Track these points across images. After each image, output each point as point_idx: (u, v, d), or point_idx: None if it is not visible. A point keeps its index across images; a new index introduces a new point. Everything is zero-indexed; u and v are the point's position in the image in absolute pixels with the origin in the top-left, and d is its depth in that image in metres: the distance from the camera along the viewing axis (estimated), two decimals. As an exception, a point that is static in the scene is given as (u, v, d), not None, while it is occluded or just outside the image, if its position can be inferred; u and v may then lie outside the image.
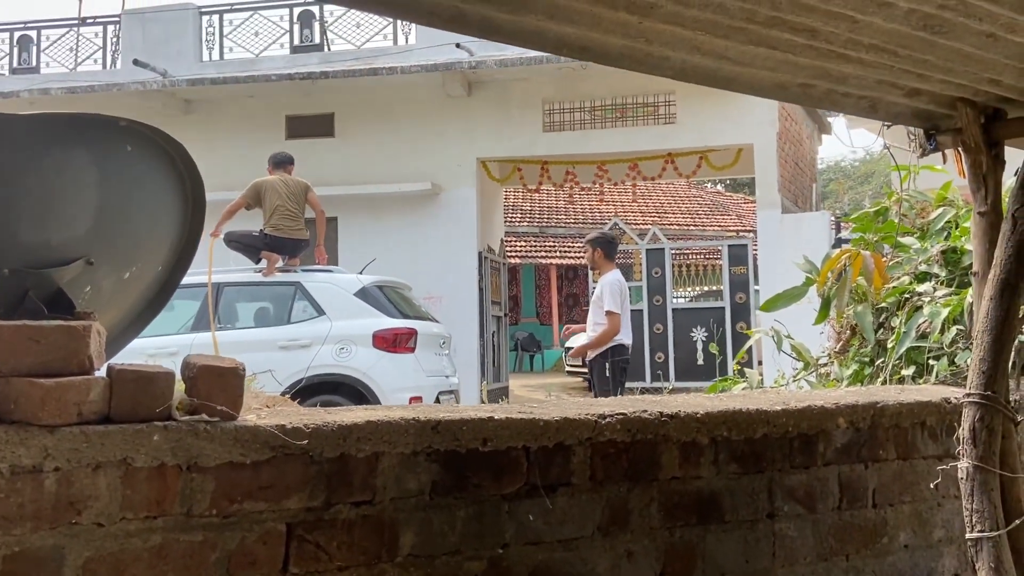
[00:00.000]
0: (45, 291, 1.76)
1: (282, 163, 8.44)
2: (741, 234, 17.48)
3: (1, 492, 1.47)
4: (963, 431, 2.13)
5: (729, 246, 12.39)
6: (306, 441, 1.72)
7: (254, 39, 12.75)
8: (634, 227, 15.65)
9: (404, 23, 12.21)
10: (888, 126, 2.47)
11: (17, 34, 13.77)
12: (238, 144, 11.96)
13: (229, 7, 12.92)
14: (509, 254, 16.45)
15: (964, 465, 2.11)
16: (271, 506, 1.71)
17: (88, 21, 13.84)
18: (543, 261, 20.38)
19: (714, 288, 13.06)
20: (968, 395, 2.14)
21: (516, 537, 1.96)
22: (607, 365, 6.61)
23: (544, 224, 20.62)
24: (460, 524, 1.90)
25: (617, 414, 2.09)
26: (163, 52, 12.33)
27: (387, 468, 1.83)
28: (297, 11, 12.62)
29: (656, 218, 19.64)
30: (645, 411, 2.13)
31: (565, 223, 20.52)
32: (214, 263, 7.72)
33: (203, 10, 12.91)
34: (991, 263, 2.16)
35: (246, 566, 1.68)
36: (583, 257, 7.41)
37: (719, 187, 26.82)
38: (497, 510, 1.95)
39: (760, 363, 9.16)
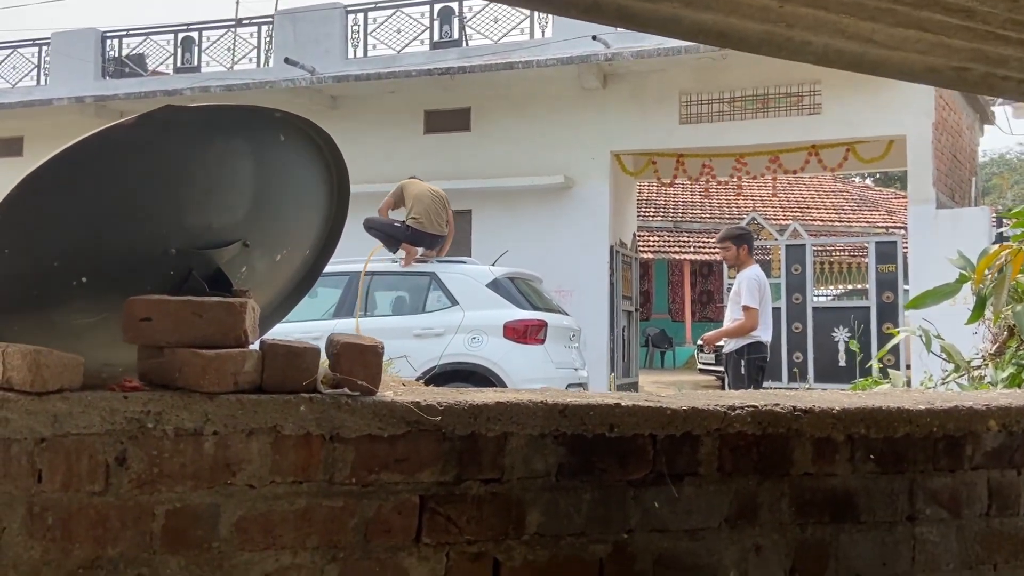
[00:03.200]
0: (206, 270, 1.91)
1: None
2: (891, 231, 16.59)
3: (166, 452, 1.62)
4: None
5: (876, 243, 11.79)
6: (439, 418, 1.79)
7: (396, 36, 13.19)
8: (773, 223, 15.15)
9: (541, 18, 12.30)
10: (990, 101, 2.30)
11: (180, 35, 14.82)
12: (379, 138, 12.42)
13: (373, 5, 13.42)
14: (641, 249, 16.29)
15: None
16: (406, 478, 1.79)
17: (244, 22, 14.72)
18: (676, 256, 20.06)
19: (859, 287, 12.46)
20: None
21: (641, 523, 1.97)
22: (743, 363, 6.44)
23: (678, 219, 20.28)
24: (586, 507, 1.93)
25: (748, 406, 2.06)
26: (312, 50, 12.94)
27: (515, 448, 1.88)
28: (437, 7, 12.95)
29: (797, 213, 18.92)
30: (777, 405, 2.09)
31: (700, 218, 20.10)
32: (356, 254, 8.08)
33: (349, 9, 13.46)
34: None
35: (382, 533, 1.77)
36: (720, 253, 7.31)
37: (868, 181, 25.53)
38: (623, 496, 1.96)
39: (908, 367, 8.69)
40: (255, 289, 1.99)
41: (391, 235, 8.32)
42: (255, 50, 14.34)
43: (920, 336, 3.79)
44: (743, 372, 6.41)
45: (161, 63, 15.12)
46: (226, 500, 1.65)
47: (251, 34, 14.43)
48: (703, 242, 19.57)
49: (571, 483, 1.92)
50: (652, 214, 19.98)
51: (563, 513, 1.92)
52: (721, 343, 6.90)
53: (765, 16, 1.90)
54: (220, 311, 1.70)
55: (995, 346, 3.61)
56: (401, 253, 8.31)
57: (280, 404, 1.69)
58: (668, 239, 19.98)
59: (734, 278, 6.98)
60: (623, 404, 1.96)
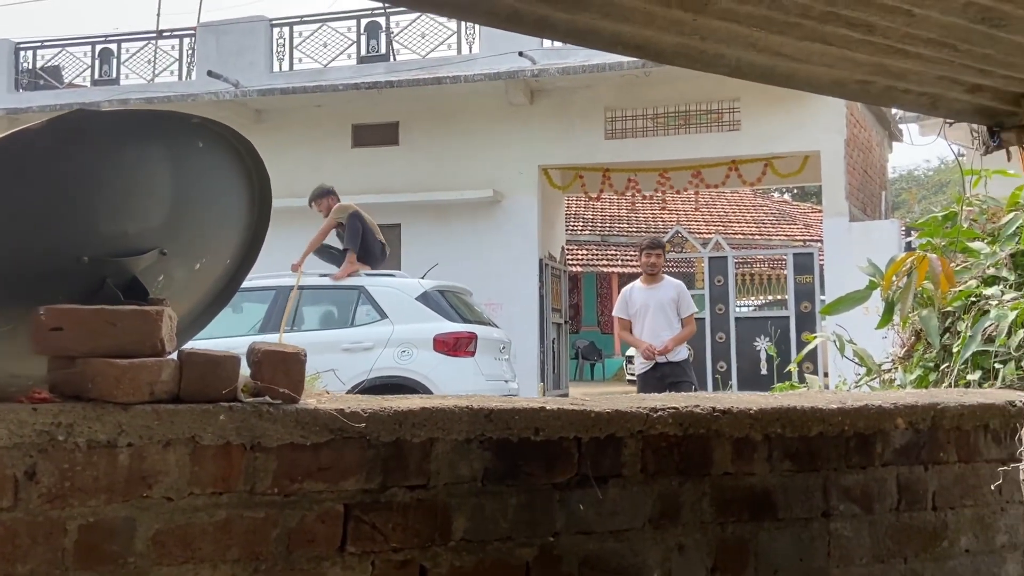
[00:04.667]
0: (121, 279, 1.86)
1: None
2: (808, 243, 17.15)
3: (78, 465, 1.57)
4: (1026, 432, 2.08)
5: (794, 255, 12.19)
6: (363, 425, 1.78)
7: (322, 50, 13.09)
8: (697, 236, 15.51)
9: (468, 34, 12.38)
10: (950, 123, 2.43)
11: (99, 47, 14.40)
12: (306, 152, 12.28)
13: (299, 19, 13.30)
14: (570, 262, 16.46)
15: (1027, 467, 2.06)
16: (329, 487, 1.78)
17: (165, 34, 14.38)
18: (604, 270, 20.34)
19: (779, 297, 12.84)
20: (1032, 395, 2.09)
21: (567, 526, 1.99)
22: (691, 371, 6.72)
23: (606, 232, 20.58)
24: (512, 511, 1.94)
25: (669, 408, 2.10)
26: (236, 63, 12.74)
27: (441, 454, 1.88)
28: (364, 22, 12.92)
29: (720, 227, 19.41)
30: (697, 406, 2.14)
31: (627, 232, 20.44)
32: (282, 268, 7.98)
33: (274, 22, 13.31)
34: (1057, 261, 2.11)
35: (305, 543, 1.74)
36: (652, 260, 6.97)
37: (786, 196, 26.36)
38: (548, 499, 1.98)
39: (826, 375, 8.99)
40: (173, 299, 1.95)
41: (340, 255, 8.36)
42: (176, 63, 14.03)
43: (834, 341, 3.93)
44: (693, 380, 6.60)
45: (78, 75, 14.66)
46: (142, 514, 1.61)
47: (172, 46, 14.12)
48: (630, 255, 19.87)
49: (497, 488, 1.93)
50: (580, 228, 20.24)
51: (489, 518, 1.92)
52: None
53: (680, 29, 1.96)
54: (135, 319, 1.66)
55: (904, 350, 3.76)
56: (332, 269, 8.25)
57: (198, 414, 1.66)
58: (596, 252, 20.25)
59: (653, 286, 6.86)
60: (548, 408, 1.99)
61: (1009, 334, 2.96)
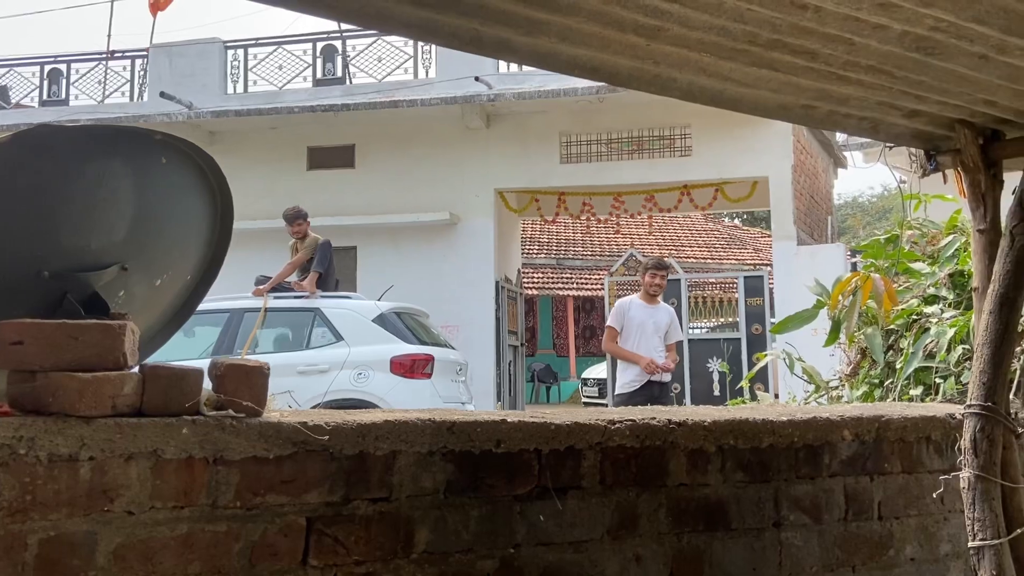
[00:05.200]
0: (82, 294, 1.87)
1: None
2: (758, 267, 17.49)
3: (39, 479, 1.56)
4: (964, 441, 2.18)
5: (745, 278, 12.41)
6: (327, 438, 1.80)
7: (278, 72, 13.05)
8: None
9: (424, 58, 12.47)
10: (890, 148, 2.55)
11: (47, 67, 14.17)
12: (260, 174, 12.20)
13: (254, 42, 13.26)
14: (526, 285, 16.55)
15: (966, 475, 2.16)
16: (292, 500, 1.79)
17: (116, 55, 14.20)
18: (560, 292, 20.46)
19: (731, 320, 13.06)
20: (969, 406, 2.19)
21: (528, 538, 2.02)
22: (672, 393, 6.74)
23: (561, 256, 20.73)
24: (473, 523, 1.97)
25: (627, 420, 2.16)
26: (189, 85, 12.64)
27: (404, 466, 1.90)
28: (320, 45, 12.93)
29: (673, 251, 19.70)
30: (654, 418, 2.20)
31: (582, 255, 20.62)
32: (237, 291, 7.93)
33: (228, 44, 13.24)
34: (990, 279, 2.23)
35: (268, 557, 1.75)
36: (660, 282, 6.86)
37: (736, 221, 26.87)
38: (509, 511, 2.01)
39: (776, 396, 9.17)
40: (133, 314, 1.95)
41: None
42: (127, 84, 13.86)
43: (784, 359, 4.04)
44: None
45: (26, 96, 14.40)
46: (103, 528, 1.60)
47: (124, 67, 13.95)
48: (585, 278, 20.07)
49: (459, 500, 1.96)
50: (536, 251, 20.35)
51: (451, 530, 1.95)
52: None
53: (634, 53, 2.04)
54: (97, 333, 1.66)
55: (850, 367, 3.89)
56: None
57: (161, 427, 1.66)
58: (552, 275, 20.37)
59: (652, 306, 6.80)
60: (509, 420, 2.03)
61: (948, 350, 3.08)
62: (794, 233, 11.19)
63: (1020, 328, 3.09)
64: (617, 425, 2.13)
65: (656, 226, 19.71)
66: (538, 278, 19.96)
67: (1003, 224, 2.25)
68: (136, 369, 1.74)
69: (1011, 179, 2.31)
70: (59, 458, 1.58)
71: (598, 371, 16.37)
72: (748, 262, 20.09)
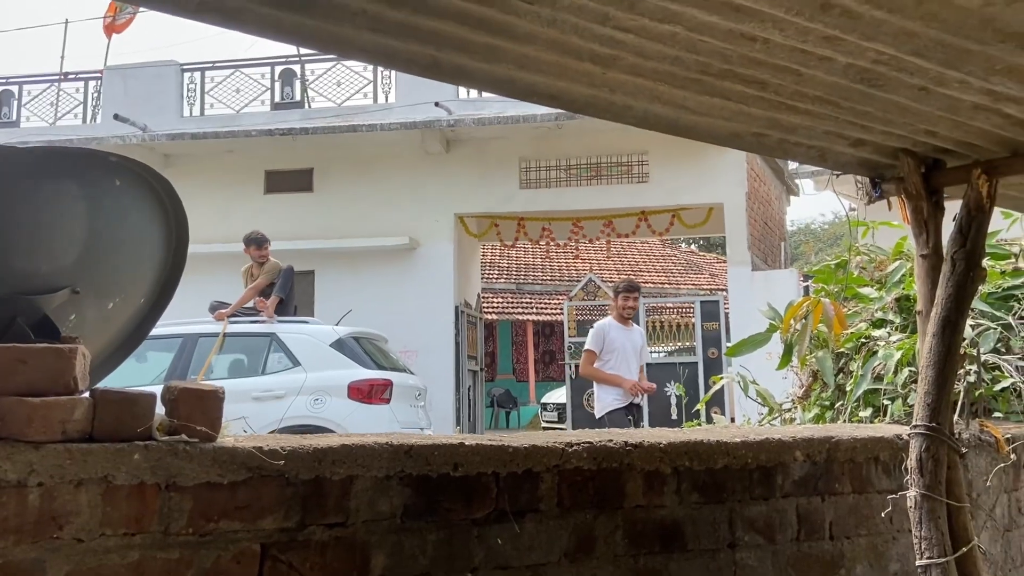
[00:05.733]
0: (32, 317, 1.84)
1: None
2: (714, 292, 17.73)
3: (-15, 506, 1.52)
4: (910, 461, 2.24)
5: (701, 302, 12.57)
6: (282, 462, 1.78)
7: (235, 96, 12.96)
8: (609, 284, 15.83)
9: (384, 83, 12.50)
10: (837, 175, 2.62)
11: (-1, 89, 13.91)
12: (216, 198, 12.08)
13: (211, 65, 13.16)
14: (486, 310, 16.55)
15: (912, 494, 2.21)
16: (246, 526, 1.77)
17: (69, 76, 14.00)
18: (520, 317, 20.49)
19: (688, 344, 13.19)
20: (914, 427, 2.25)
21: (485, 561, 2.02)
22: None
23: (521, 281, 20.79)
24: (431, 547, 1.96)
25: (584, 443, 2.17)
26: (144, 107, 12.49)
27: (361, 491, 1.89)
28: (279, 69, 12.88)
29: (631, 276, 19.87)
30: (611, 440, 2.22)
31: (541, 280, 20.71)
32: (191, 316, 7.81)
33: (185, 67, 13.13)
34: (933, 302, 2.30)
35: (221, 584, 1.73)
36: (632, 304, 6.93)
37: (693, 247, 27.24)
38: (467, 534, 2.01)
39: (732, 419, 9.27)
40: (85, 338, 1.92)
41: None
42: (80, 105, 13.65)
43: (738, 382, 4.10)
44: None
45: (-26, 116, 14.08)
46: (52, 555, 1.57)
47: (77, 89, 13.74)
48: (545, 303, 20.13)
49: (416, 524, 1.95)
50: (496, 276, 20.39)
51: (408, 555, 1.94)
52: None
53: (591, 81, 2.08)
54: (47, 357, 1.64)
55: (803, 390, 3.96)
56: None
57: (112, 453, 1.64)
58: (512, 300, 20.40)
59: (627, 328, 6.87)
60: (467, 444, 2.03)
61: (895, 372, 3.16)
62: (748, 259, 11.38)
63: (962, 350, 3.19)
64: (574, 447, 2.15)
65: (615, 251, 19.91)
66: (498, 303, 19.98)
67: (945, 250, 2.33)
68: (87, 394, 1.72)
69: (952, 206, 2.39)
70: (7, 484, 1.54)
71: (557, 396, 16.40)
72: (704, 287, 20.35)
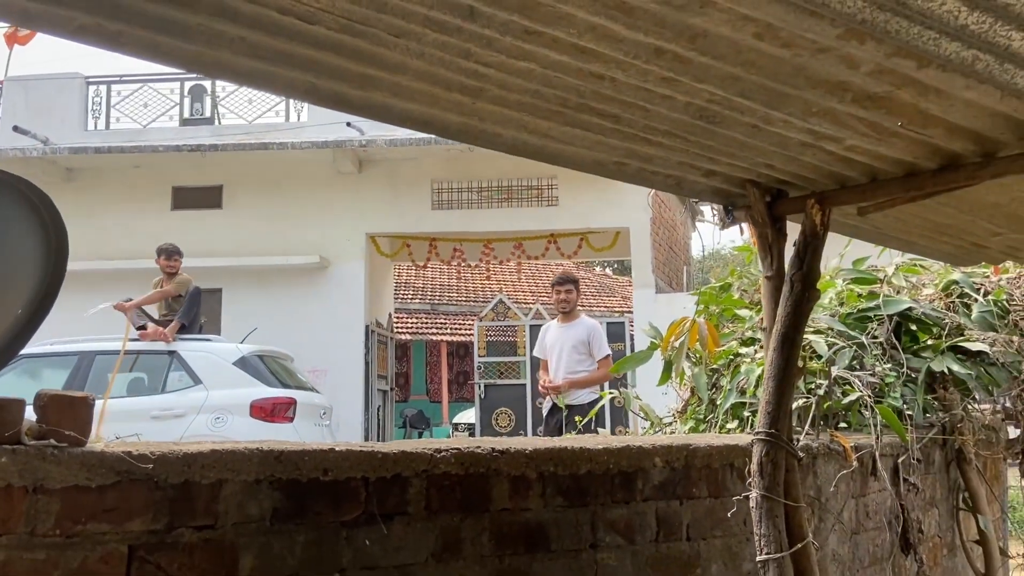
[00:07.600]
0: (-100, 327, 1.86)
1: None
2: (625, 314, 18.16)
3: None
4: (752, 465, 2.44)
5: (607, 323, 12.89)
6: (151, 466, 1.85)
7: (143, 110, 12.74)
8: (520, 304, 16.06)
9: (296, 102, 12.48)
10: (696, 202, 2.84)
11: None
12: (121, 214, 11.83)
13: (118, 78, 12.91)
14: (400, 330, 16.55)
15: (754, 495, 2.41)
16: (115, 528, 1.83)
17: (-33, 85, 13.49)
18: (434, 338, 20.53)
19: (596, 364, 13.47)
20: (756, 433, 2.46)
21: (353, 562, 2.12)
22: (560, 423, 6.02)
23: (435, 301, 20.86)
24: (299, 549, 2.05)
25: (452, 449, 2.30)
26: (46, 120, 12.16)
27: (230, 495, 1.97)
28: (188, 85, 12.72)
29: (543, 297, 20.17)
30: (479, 447, 2.35)
31: (455, 300, 20.82)
32: (90, 333, 7.64)
33: (91, 80, 12.84)
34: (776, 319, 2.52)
35: (87, 584, 1.78)
36: (563, 296, 6.52)
37: (608, 270, 27.80)
38: (336, 536, 2.11)
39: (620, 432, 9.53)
40: (-43, 348, 1.95)
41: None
42: (-23, 115, 13.17)
43: (622, 399, 4.30)
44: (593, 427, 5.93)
45: None
46: (-89, 557, 1.61)
47: (-26, 98, 13.26)
48: (459, 323, 20.24)
49: (285, 527, 2.04)
50: (411, 296, 20.41)
51: (277, 556, 2.03)
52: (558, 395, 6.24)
53: (461, 110, 2.23)
54: (-86, 364, 1.68)
55: (682, 404, 4.19)
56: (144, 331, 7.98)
57: (-22, 456, 1.68)
58: (426, 320, 20.44)
59: (567, 324, 6.47)
60: (337, 449, 2.13)
61: (757, 386, 3.40)
62: (653, 281, 11.76)
63: (820, 367, 3.46)
64: (443, 453, 2.27)
65: (528, 273, 20.21)
66: (413, 323, 19.99)
67: (786, 272, 2.56)
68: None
69: (794, 232, 2.63)
70: None
71: (468, 416, 16.48)
72: (616, 309, 20.81)
